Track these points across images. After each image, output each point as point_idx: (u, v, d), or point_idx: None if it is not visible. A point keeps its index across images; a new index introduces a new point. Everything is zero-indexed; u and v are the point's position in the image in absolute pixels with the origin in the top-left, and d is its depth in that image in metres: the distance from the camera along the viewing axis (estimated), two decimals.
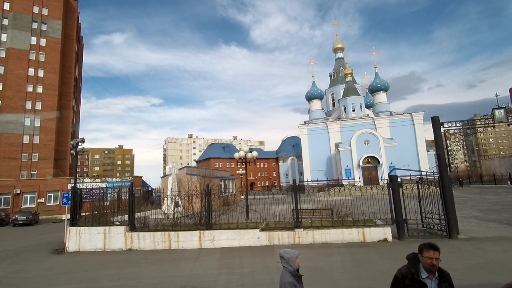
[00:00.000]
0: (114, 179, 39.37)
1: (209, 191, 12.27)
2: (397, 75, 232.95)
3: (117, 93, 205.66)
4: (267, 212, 13.93)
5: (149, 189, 42.58)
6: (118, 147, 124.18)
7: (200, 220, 12.90)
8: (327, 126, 54.12)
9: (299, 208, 11.89)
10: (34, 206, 33.73)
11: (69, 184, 34.02)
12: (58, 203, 34.10)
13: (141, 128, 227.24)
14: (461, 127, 13.42)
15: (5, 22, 41.92)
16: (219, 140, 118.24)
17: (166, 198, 19.90)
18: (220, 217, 13.10)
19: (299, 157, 67.14)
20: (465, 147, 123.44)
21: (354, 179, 44.51)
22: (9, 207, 32.93)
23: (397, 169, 15.49)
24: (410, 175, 18.83)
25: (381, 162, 45.12)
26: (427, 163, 47.56)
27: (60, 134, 43.24)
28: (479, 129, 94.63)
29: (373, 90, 56.31)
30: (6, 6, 42.27)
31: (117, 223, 12.99)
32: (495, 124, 12.90)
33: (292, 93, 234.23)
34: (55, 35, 44.16)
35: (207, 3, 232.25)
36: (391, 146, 46.30)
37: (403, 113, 52.20)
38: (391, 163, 44.55)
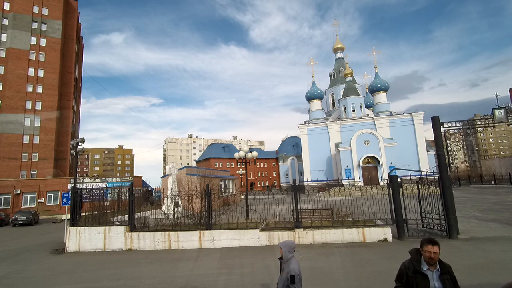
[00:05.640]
0: (114, 179, 39.37)
1: (209, 191, 12.26)
2: (400, 74, 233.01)
3: (116, 93, 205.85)
4: (267, 212, 13.90)
5: (149, 189, 42.60)
6: (118, 147, 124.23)
7: (200, 220, 12.89)
8: (327, 126, 54.15)
9: (299, 208, 11.88)
10: (34, 206, 33.73)
11: (69, 184, 34.03)
12: (58, 203, 34.10)
13: (141, 128, 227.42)
14: (461, 127, 13.43)
15: (5, 22, 41.93)
16: (219, 140, 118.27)
17: (166, 198, 19.89)
18: (220, 217, 13.08)
19: (299, 157, 67.13)
20: (465, 147, 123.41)
21: (354, 179, 44.48)
22: (9, 207, 32.94)
23: (397, 169, 15.49)
24: (410, 175, 18.72)
25: (381, 162, 45.12)
26: (427, 163, 47.55)
27: (60, 134, 43.26)
28: (479, 129, 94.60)
29: (373, 90, 56.35)
30: (6, 6, 42.27)
31: (117, 223, 12.99)
32: (495, 124, 12.91)
33: (292, 93, 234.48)
34: (55, 35, 44.17)
35: (206, 3, 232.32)
36: (391, 146, 46.31)
37: (403, 113, 52.23)
38: (391, 163, 44.55)
